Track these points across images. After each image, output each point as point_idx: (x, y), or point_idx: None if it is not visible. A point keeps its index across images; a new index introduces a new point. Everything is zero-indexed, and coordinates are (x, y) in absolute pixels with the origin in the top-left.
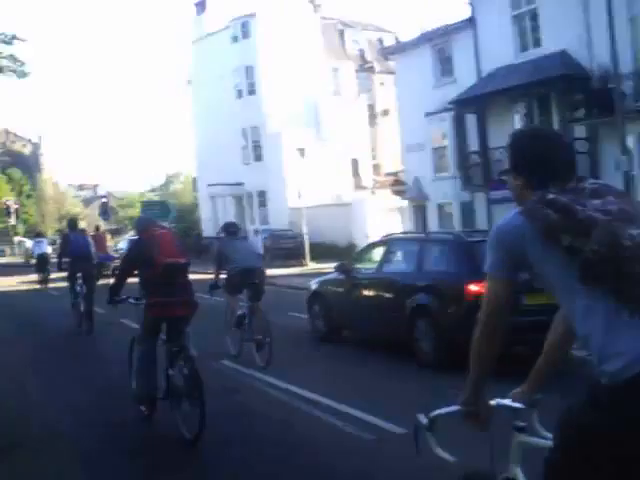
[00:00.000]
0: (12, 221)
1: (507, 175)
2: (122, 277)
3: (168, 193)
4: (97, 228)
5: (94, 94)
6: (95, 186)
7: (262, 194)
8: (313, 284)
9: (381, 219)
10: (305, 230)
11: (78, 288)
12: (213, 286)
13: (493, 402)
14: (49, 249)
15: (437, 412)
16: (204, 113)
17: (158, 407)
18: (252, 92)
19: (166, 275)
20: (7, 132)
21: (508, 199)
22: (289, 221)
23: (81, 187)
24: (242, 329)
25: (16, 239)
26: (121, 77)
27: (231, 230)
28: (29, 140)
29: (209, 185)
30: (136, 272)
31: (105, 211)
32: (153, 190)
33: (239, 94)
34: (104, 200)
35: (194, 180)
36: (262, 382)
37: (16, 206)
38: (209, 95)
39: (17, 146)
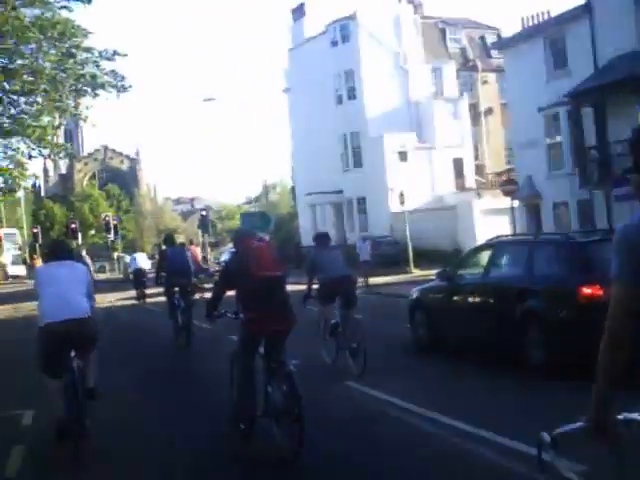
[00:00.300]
0: (111, 237)
1: (631, 174)
2: (220, 291)
3: (266, 204)
4: (191, 242)
5: (189, 106)
6: (192, 200)
7: (362, 200)
8: (414, 292)
9: (488, 221)
10: (409, 236)
11: (176, 302)
12: (306, 296)
13: (620, 417)
14: (148, 264)
15: (561, 429)
16: (302, 121)
17: (257, 424)
18: (352, 97)
19: (263, 288)
20: (106, 149)
21: (632, 196)
22: (390, 227)
23: (178, 201)
24: (336, 338)
25: (115, 255)
26: (217, 88)
27: (321, 240)
28: (127, 156)
29: (307, 194)
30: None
31: (204, 224)
32: (249, 202)
33: (339, 99)
34: (203, 213)
35: (292, 189)
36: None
37: (115, 221)
38: (307, 102)
39: (115, 162)
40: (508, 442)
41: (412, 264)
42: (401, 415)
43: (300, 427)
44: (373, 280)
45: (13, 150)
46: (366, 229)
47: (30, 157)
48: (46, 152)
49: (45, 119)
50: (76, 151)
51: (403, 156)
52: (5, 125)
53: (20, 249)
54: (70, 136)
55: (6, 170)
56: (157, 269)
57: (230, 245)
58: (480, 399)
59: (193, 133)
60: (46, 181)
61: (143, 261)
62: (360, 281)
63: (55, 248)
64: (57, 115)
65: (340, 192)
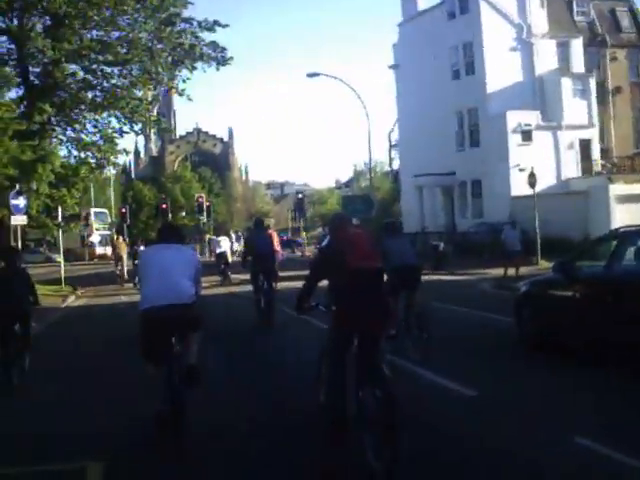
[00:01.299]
0: (204, 218)
1: None
2: (312, 282)
3: (363, 187)
4: (268, 226)
5: (287, 84)
6: (282, 184)
7: (477, 183)
8: (523, 285)
9: (624, 209)
10: (537, 223)
11: (260, 284)
12: None
13: None
14: (235, 246)
15: None
16: (411, 98)
17: (347, 430)
18: (471, 71)
19: (358, 281)
20: (199, 131)
21: None
22: (510, 213)
23: (268, 185)
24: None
25: (207, 237)
26: (318, 66)
27: (391, 228)
28: (220, 139)
29: (415, 176)
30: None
31: (300, 207)
32: (339, 187)
33: (455, 74)
34: (299, 196)
35: (393, 172)
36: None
37: (208, 203)
38: (417, 78)
39: (207, 145)
40: None
41: (539, 255)
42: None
43: (396, 441)
44: (494, 272)
45: (104, 125)
46: (481, 215)
47: (121, 133)
48: (138, 128)
49: (138, 93)
50: (168, 134)
51: (526, 135)
52: (97, 99)
53: (109, 229)
54: (162, 116)
55: (94, 145)
56: (244, 253)
57: (320, 230)
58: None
59: (288, 114)
60: (137, 163)
61: (226, 245)
62: (510, 273)
63: (164, 229)
64: (152, 87)
65: (452, 174)
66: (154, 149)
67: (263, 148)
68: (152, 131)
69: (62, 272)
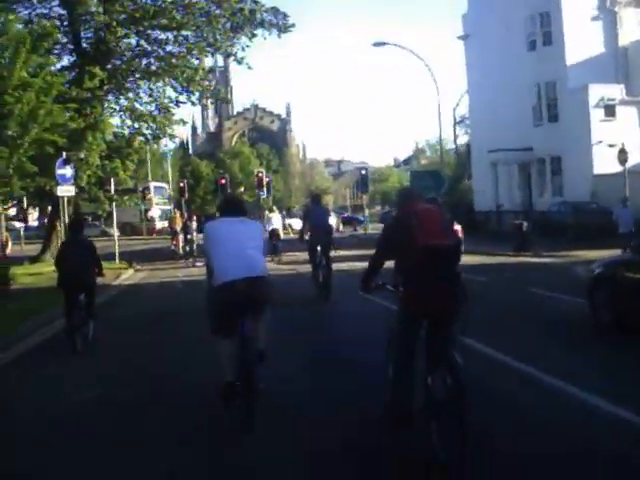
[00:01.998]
0: (264, 194)
1: None
2: (377, 261)
3: (423, 165)
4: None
5: (341, 62)
6: (339, 162)
7: (556, 160)
8: (597, 267)
9: None
10: (628, 203)
11: (317, 260)
12: None
13: None
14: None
15: None
16: (482, 71)
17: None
18: (548, 42)
19: (428, 260)
20: (256, 108)
21: None
22: (591, 192)
23: (326, 163)
24: None
25: (266, 214)
26: (376, 39)
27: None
28: (277, 115)
29: (490, 151)
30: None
31: (364, 183)
32: (397, 165)
33: (531, 45)
34: (363, 172)
35: (457, 149)
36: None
37: (267, 179)
38: (489, 50)
39: (265, 122)
40: None
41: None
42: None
43: (463, 429)
44: (576, 253)
45: (159, 94)
46: (560, 193)
47: (177, 103)
48: (195, 97)
49: (195, 61)
50: (226, 110)
51: (610, 110)
52: (152, 66)
53: (169, 204)
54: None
55: (149, 115)
56: (301, 229)
57: (378, 208)
58: None
59: (345, 90)
60: (194, 139)
61: (277, 222)
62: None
63: (230, 202)
64: (209, 54)
65: (529, 150)
66: (211, 125)
67: (320, 125)
68: (209, 101)
69: (116, 247)
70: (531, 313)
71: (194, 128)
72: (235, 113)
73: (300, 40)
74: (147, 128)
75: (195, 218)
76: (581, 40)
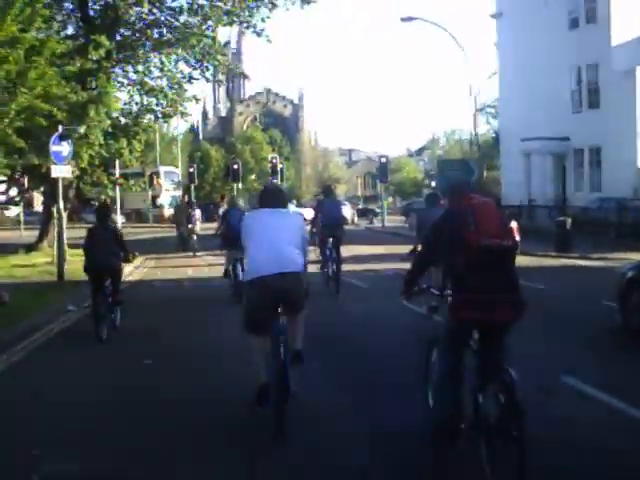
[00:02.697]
0: (277, 181)
1: None
2: (424, 261)
3: (437, 155)
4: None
5: (357, 46)
6: (350, 151)
7: (596, 151)
8: (629, 269)
9: None
10: None
11: (328, 252)
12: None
13: None
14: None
15: None
16: (515, 52)
17: (462, 440)
18: (592, 20)
19: (484, 262)
20: (269, 92)
21: None
22: (634, 187)
23: (337, 152)
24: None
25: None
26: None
27: (431, 200)
28: (290, 100)
29: (523, 140)
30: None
31: (383, 173)
32: (411, 155)
33: (573, 23)
34: (383, 160)
35: (477, 138)
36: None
37: (281, 165)
38: (524, 28)
39: (278, 107)
40: None
41: None
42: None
43: (521, 452)
44: (631, 256)
45: (171, 68)
46: (599, 188)
47: (191, 79)
48: (209, 73)
49: (210, 32)
50: (237, 93)
51: None
52: (165, 37)
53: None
54: (232, 76)
55: (160, 90)
56: (313, 219)
57: (390, 199)
58: None
59: (361, 74)
60: (205, 124)
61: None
62: None
63: (270, 193)
64: (226, 24)
65: (566, 139)
66: (222, 109)
67: (332, 113)
68: (223, 78)
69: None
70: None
71: (205, 113)
72: (247, 97)
73: (317, 18)
74: (157, 105)
75: (201, 207)
76: (629, 18)
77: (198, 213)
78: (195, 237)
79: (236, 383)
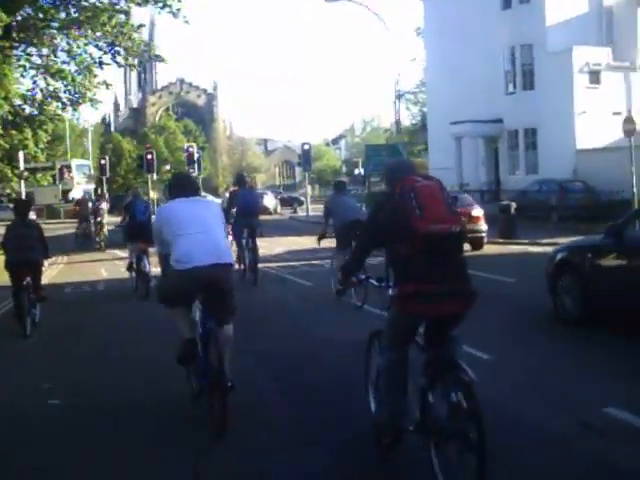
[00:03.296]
0: (195, 171)
1: None
2: (363, 251)
3: (354, 143)
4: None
5: (274, 28)
6: (265, 140)
7: (531, 132)
8: (559, 252)
9: None
10: (635, 180)
11: (244, 242)
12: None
13: None
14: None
15: None
16: (441, 34)
17: (404, 440)
18: (525, 0)
19: (431, 250)
20: (182, 82)
21: None
22: (573, 169)
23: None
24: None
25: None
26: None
27: (339, 186)
28: (204, 90)
29: (452, 123)
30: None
31: (307, 160)
32: (327, 144)
33: (506, 3)
34: (306, 147)
35: (398, 125)
36: None
37: (198, 154)
38: (454, 9)
39: (191, 96)
40: None
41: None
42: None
43: (480, 459)
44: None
45: (80, 53)
46: (535, 170)
47: (101, 64)
48: (122, 58)
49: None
50: (150, 85)
51: (594, 77)
52: (71, 15)
53: (91, 182)
54: (144, 68)
55: (67, 74)
56: (226, 208)
57: (309, 188)
58: None
59: (270, 60)
60: (117, 116)
61: None
62: None
63: (184, 182)
64: (139, 3)
65: (499, 121)
66: (134, 101)
67: (246, 101)
68: (136, 61)
69: None
70: None
71: (116, 104)
72: (160, 87)
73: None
74: (64, 91)
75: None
76: None
77: (105, 206)
78: (106, 231)
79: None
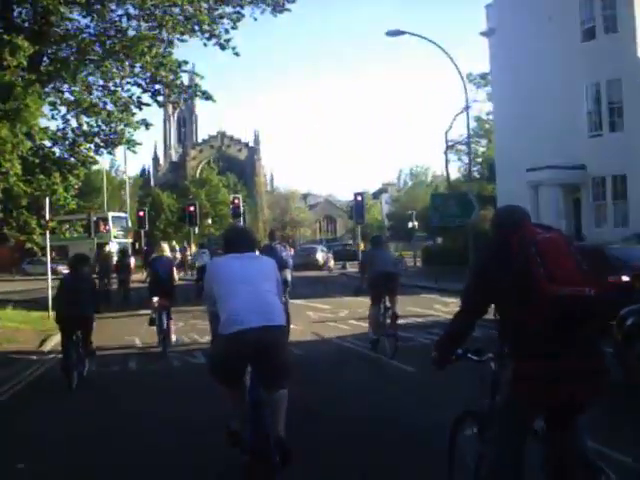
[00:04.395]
0: (241, 222)
1: None
2: (465, 319)
3: (394, 198)
4: (272, 233)
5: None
6: (305, 195)
7: (620, 180)
8: (629, 316)
9: None
10: None
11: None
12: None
13: None
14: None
15: None
16: (512, 70)
17: None
18: (612, 29)
19: (559, 318)
20: (223, 135)
21: None
22: None
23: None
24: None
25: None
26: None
27: (375, 241)
28: (245, 144)
29: (529, 170)
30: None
31: (360, 213)
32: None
33: (588, 34)
34: (359, 198)
35: (448, 177)
36: None
37: (244, 206)
38: (523, 45)
39: (232, 150)
40: None
41: None
42: None
43: None
44: None
45: (116, 89)
46: (625, 222)
47: (140, 105)
48: (161, 97)
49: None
50: (190, 138)
51: None
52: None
53: (128, 236)
54: (183, 121)
55: (103, 112)
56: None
57: (348, 242)
58: None
59: (311, 117)
60: (156, 170)
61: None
62: None
63: (237, 235)
64: (184, 32)
65: (581, 167)
66: (174, 155)
67: (285, 155)
68: (179, 98)
69: (49, 292)
70: None
71: (156, 159)
72: (200, 141)
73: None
74: (98, 130)
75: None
76: None
77: (132, 262)
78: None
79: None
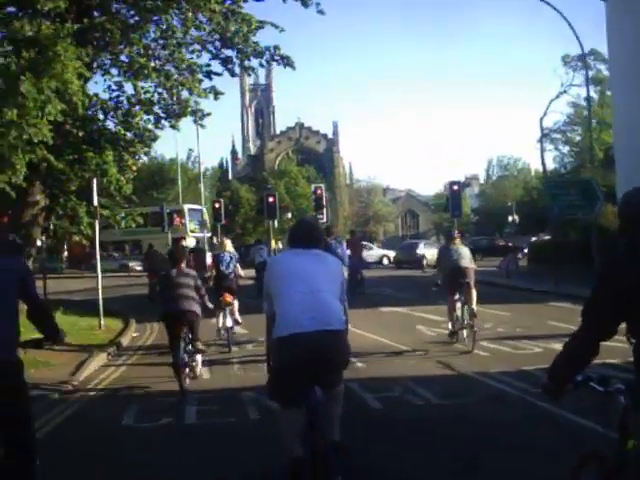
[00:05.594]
0: (323, 217)
1: None
2: (587, 342)
3: (476, 193)
4: (352, 232)
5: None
6: (384, 189)
7: None
8: None
9: None
10: None
11: None
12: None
13: None
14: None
15: None
16: (635, 45)
17: None
18: None
19: None
20: (301, 127)
21: None
22: None
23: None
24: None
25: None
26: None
27: (450, 237)
28: (324, 135)
29: None
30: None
31: (457, 205)
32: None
33: None
34: (455, 187)
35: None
36: None
37: (326, 198)
38: None
39: (311, 142)
40: None
41: None
42: None
43: None
44: None
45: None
46: None
47: (209, 74)
48: (237, 65)
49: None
50: (268, 130)
51: None
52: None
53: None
54: (261, 113)
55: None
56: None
57: (428, 241)
58: None
59: (394, 102)
60: (234, 164)
61: (264, 253)
62: None
63: (302, 228)
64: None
65: None
66: (252, 149)
67: (362, 149)
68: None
69: (99, 295)
70: None
71: (234, 152)
72: (279, 133)
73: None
74: (158, 100)
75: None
76: None
77: (209, 260)
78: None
79: None
